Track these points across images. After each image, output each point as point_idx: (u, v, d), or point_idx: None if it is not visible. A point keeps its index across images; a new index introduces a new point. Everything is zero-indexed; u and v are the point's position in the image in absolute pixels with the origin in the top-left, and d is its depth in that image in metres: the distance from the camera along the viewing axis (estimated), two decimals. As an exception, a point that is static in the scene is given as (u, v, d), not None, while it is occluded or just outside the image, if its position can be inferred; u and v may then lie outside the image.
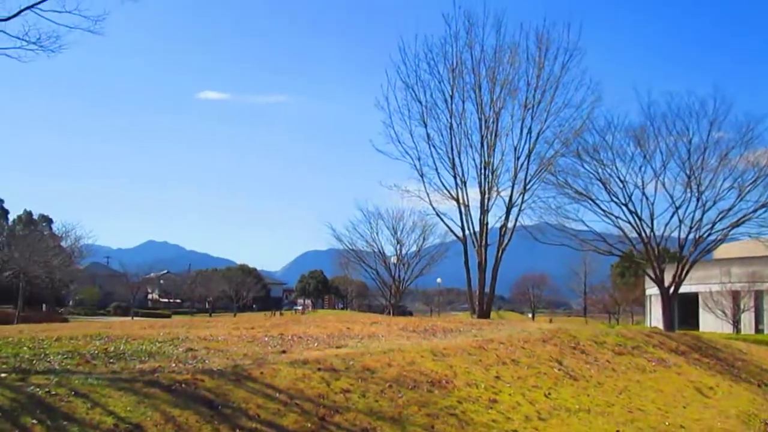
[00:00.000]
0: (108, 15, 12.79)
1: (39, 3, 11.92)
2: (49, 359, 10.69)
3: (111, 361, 10.83)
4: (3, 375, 9.03)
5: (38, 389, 8.44)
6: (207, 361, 11.23)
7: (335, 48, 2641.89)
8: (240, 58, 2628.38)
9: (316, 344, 14.41)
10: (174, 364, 10.69)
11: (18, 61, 12.52)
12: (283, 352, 12.96)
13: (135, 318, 58.53)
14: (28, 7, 11.46)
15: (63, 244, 63.55)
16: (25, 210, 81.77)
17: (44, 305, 68.90)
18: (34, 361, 10.42)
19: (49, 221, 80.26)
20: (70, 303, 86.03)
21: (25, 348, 11.93)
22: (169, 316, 70.98)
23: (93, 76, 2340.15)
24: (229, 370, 10.56)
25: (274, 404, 9.51)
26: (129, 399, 8.59)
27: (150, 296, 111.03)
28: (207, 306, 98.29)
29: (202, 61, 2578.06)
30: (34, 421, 7.63)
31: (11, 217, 78.29)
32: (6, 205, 78.40)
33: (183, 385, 9.38)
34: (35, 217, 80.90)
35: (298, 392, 10.19)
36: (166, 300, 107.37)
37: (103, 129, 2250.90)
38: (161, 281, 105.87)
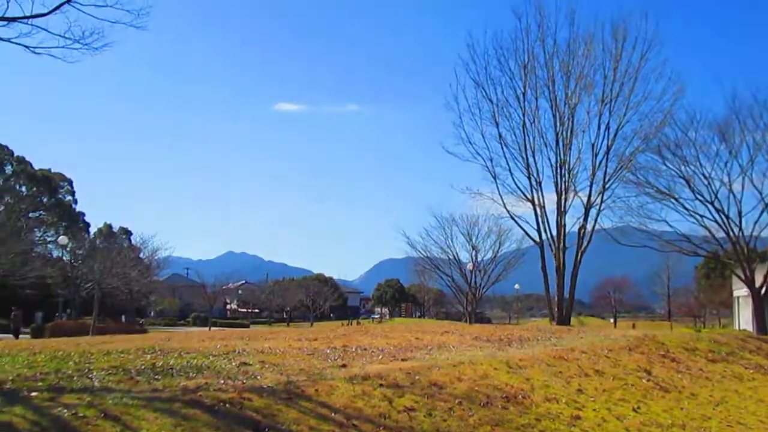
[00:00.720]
0: (151, 8, 12.20)
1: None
2: (90, 375, 10.04)
3: (156, 377, 10.11)
4: (33, 394, 8.36)
5: (65, 410, 7.68)
6: (259, 377, 10.42)
7: (406, 57, 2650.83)
8: (311, 69, 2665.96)
9: (380, 357, 13.59)
10: (222, 381, 9.88)
11: (63, 61, 12.16)
12: (343, 366, 12.10)
13: (213, 328, 58.84)
14: (66, 1, 10.92)
15: (141, 255, 64.48)
16: (105, 223, 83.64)
17: (123, 316, 70.14)
18: (75, 378, 9.78)
19: (129, 233, 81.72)
20: (151, 314, 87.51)
21: (71, 363, 11.42)
22: (247, 326, 71.39)
23: (170, 89, 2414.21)
24: (281, 387, 9.69)
25: (329, 426, 8.56)
26: (165, 421, 7.74)
27: (229, 306, 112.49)
28: (285, 315, 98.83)
29: (277, 74, 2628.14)
30: (53, 448, 6.86)
31: (92, 230, 79.95)
32: (87, 218, 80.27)
33: (227, 405, 8.52)
34: (115, 229, 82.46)
35: (356, 411, 9.24)
36: (245, 310, 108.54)
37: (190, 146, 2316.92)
38: (239, 291, 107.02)
